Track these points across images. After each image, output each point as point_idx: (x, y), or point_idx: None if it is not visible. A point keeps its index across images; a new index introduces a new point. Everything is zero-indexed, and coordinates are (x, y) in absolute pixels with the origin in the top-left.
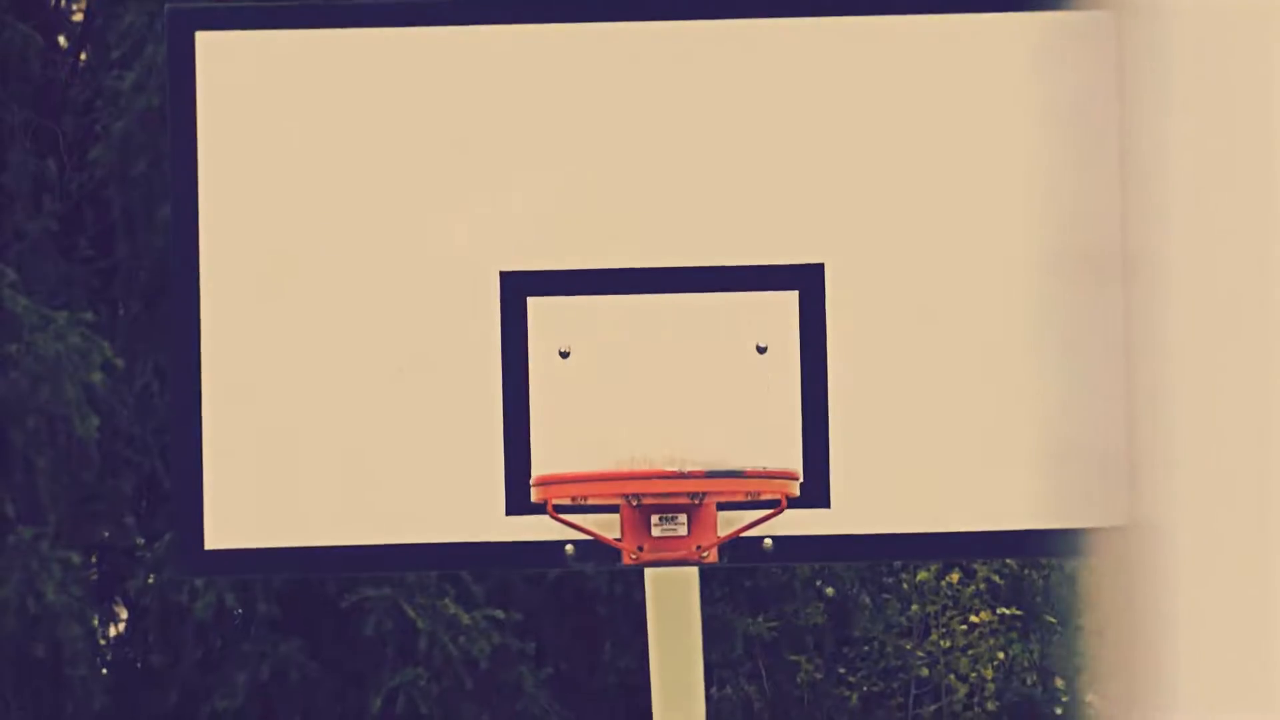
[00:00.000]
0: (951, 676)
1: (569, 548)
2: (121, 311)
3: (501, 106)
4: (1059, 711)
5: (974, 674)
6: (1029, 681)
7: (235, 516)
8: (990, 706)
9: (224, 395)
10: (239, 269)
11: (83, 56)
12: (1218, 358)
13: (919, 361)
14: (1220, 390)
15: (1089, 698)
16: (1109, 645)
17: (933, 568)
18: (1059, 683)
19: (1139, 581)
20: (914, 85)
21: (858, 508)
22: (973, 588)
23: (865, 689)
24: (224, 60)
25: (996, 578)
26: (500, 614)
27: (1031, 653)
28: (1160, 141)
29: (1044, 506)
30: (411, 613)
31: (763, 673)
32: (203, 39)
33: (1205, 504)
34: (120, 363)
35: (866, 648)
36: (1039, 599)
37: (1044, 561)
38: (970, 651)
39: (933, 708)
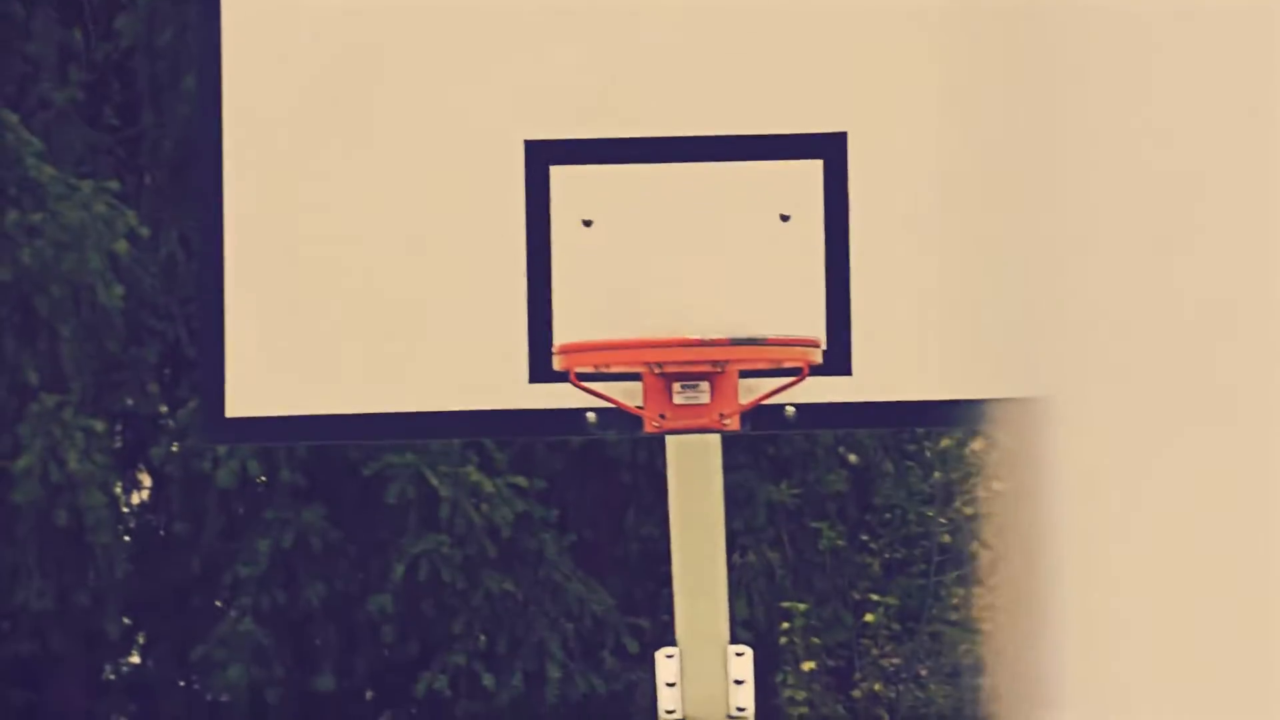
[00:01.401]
0: (975, 544)
1: (591, 415)
2: (147, 180)
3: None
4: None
5: (998, 541)
6: None
7: (258, 384)
8: None
9: (248, 263)
10: (264, 137)
11: None
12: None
13: (942, 230)
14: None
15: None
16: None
17: (955, 435)
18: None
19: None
20: None
21: (880, 375)
22: (996, 454)
23: (887, 556)
24: None
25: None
26: (523, 481)
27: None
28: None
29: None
30: (434, 480)
31: (785, 540)
32: None
33: None
34: (145, 231)
35: (889, 515)
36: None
37: None
38: (994, 519)
39: (955, 575)
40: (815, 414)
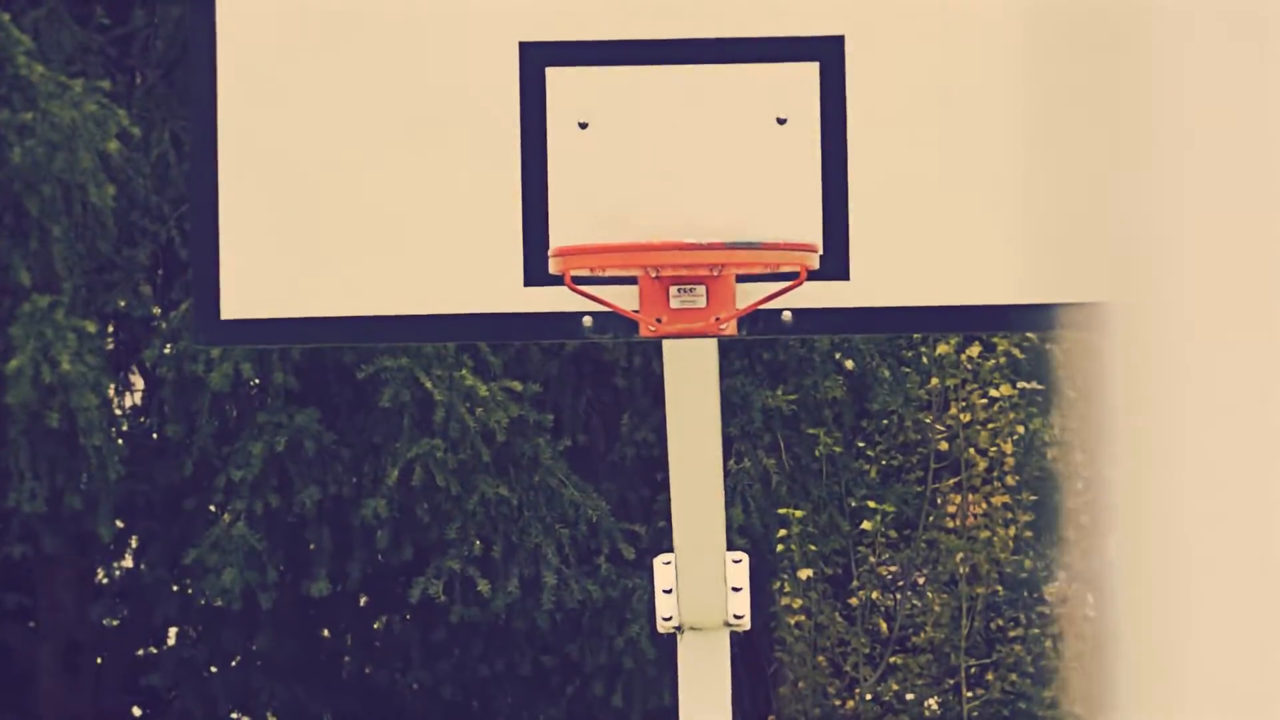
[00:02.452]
0: (971, 450)
1: (587, 319)
2: (138, 80)
3: None
4: (1080, 486)
5: (994, 448)
6: (1049, 456)
7: (252, 285)
8: (1010, 481)
9: (241, 163)
10: (256, 36)
11: None
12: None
13: (939, 137)
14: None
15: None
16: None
17: (953, 341)
18: (1080, 459)
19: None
20: None
21: (877, 280)
22: (993, 361)
23: (884, 462)
24: None
25: (1017, 351)
26: (518, 385)
27: (1052, 427)
28: None
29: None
30: (428, 384)
31: (781, 445)
32: None
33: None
34: (137, 131)
35: (885, 421)
36: (1061, 373)
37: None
38: (990, 425)
39: (952, 481)
40: (812, 319)
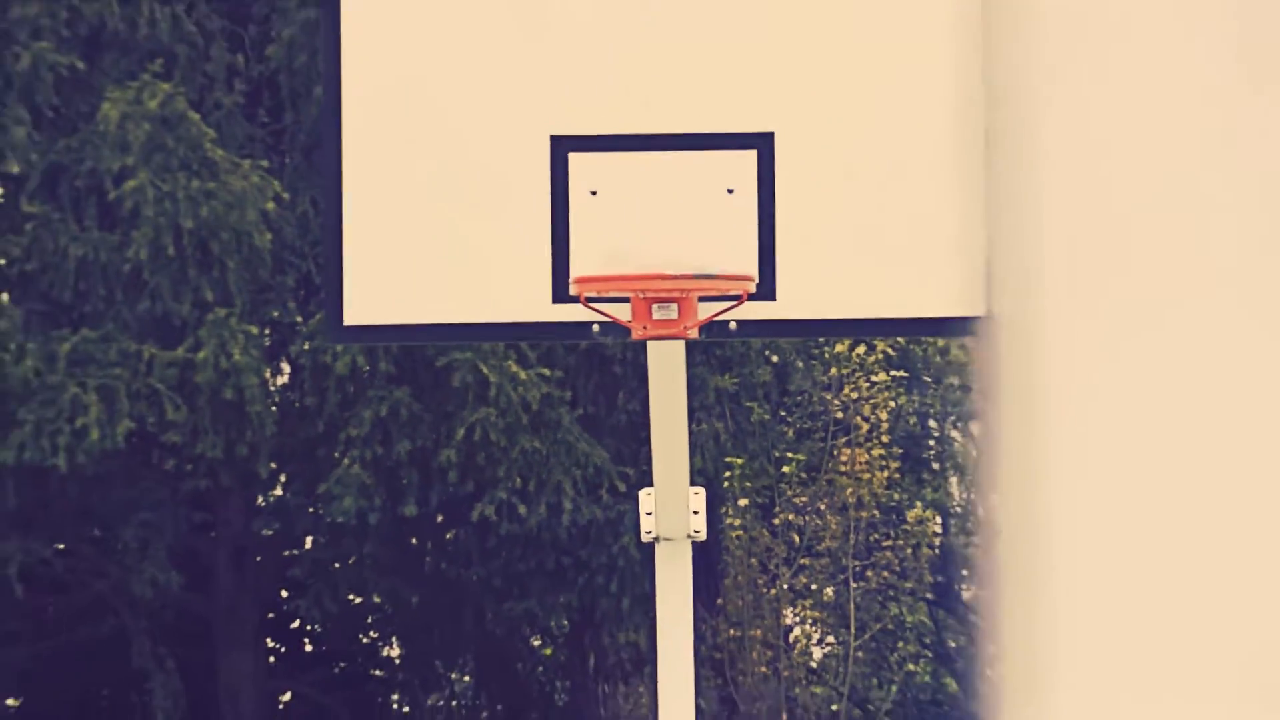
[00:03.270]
0: (858, 418)
1: (595, 327)
2: (287, 160)
3: (554, 27)
4: (931, 444)
5: (874, 417)
6: (911, 423)
7: (366, 301)
8: (884, 439)
9: (358, 217)
10: (369, 132)
11: None
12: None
13: (841, 201)
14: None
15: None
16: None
17: (846, 342)
18: (932, 424)
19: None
20: (842, 11)
21: (795, 300)
22: (873, 357)
23: (798, 426)
24: None
25: (890, 350)
26: (546, 371)
27: (914, 402)
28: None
29: (929, 301)
30: (485, 369)
31: (727, 414)
32: None
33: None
34: (286, 196)
35: (800, 397)
36: (920, 365)
37: (923, 338)
38: (871, 401)
39: (844, 440)
40: (750, 327)
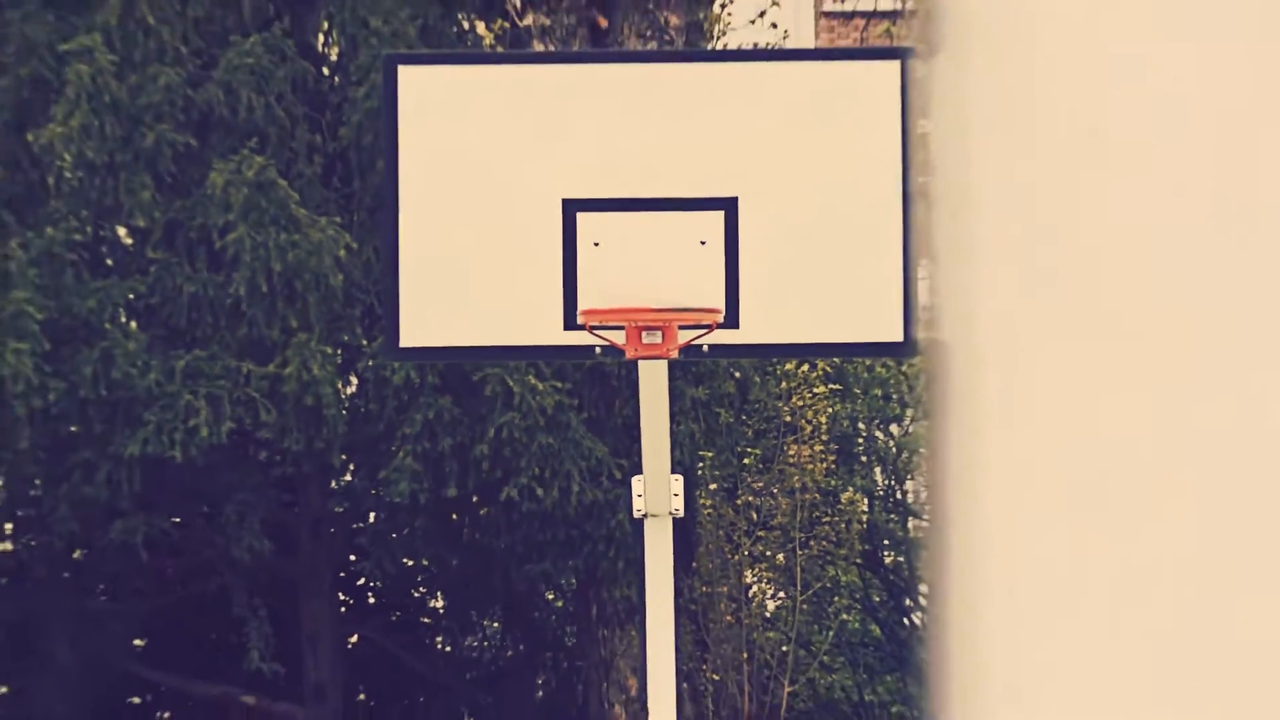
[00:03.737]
0: (803, 421)
1: (598, 349)
2: (355, 218)
3: (566, 115)
4: (860, 442)
5: (815, 421)
6: (845, 425)
7: (416, 328)
8: (824, 438)
9: (410, 262)
10: (420, 197)
11: (336, 79)
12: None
13: (790, 250)
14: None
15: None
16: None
17: (793, 362)
18: (861, 426)
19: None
20: (789, 104)
21: (754, 329)
22: (815, 373)
23: (756, 428)
24: (411, 80)
25: (828, 368)
26: (559, 384)
27: (846, 409)
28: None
29: (861, 330)
30: (510, 382)
31: (700, 418)
32: (403, 71)
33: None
34: (355, 245)
35: (757, 404)
36: (851, 379)
37: (854, 358)
38: (813, 408)
39: (792, 439)
40: (718, 349)
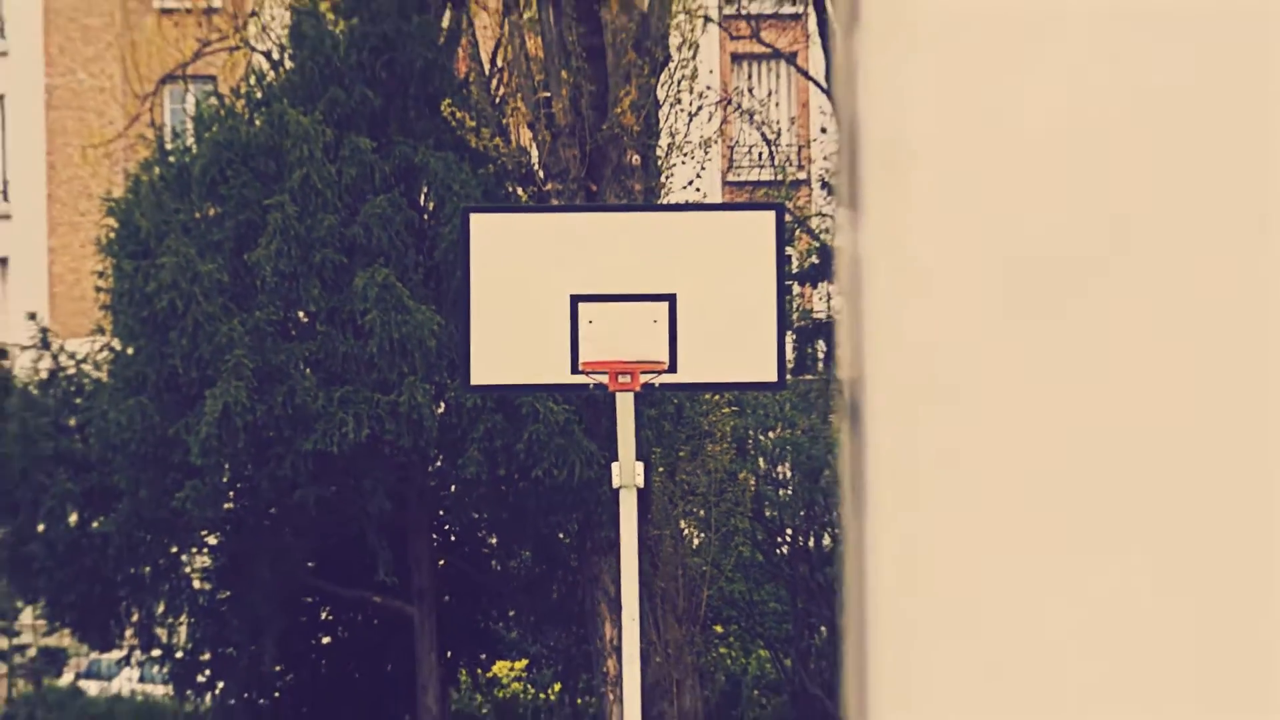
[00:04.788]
0: (718, 430)
1: (591, 385)
2: (443, 306)
3: (574, 247)
4: (749, 442)
5: (722, 429)
6: (741, 431)
7: (481, 373)
8: (728, 440)
9: (477, 333)
10: (484, 292)
11: (431, 220)
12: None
13: (710, 323)
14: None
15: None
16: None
17: (711, 395)
18: (750, 433)
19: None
20: (706, 237)
21: (686, 374)
22: (724, 398)
23: (687, 432)
24: (478, 223)
25: (731, 396)
26: (568, 406)
27: (744, 422)
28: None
29: (753, 373)
30: (538, 405)
31: (653, 427)
32: (474, 218)
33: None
34: (444, 321)
35: (688, 419)
36: (748, 404)
37: (747, 392)
38: (720, 424)
39: (709, 440)
40: (665, 386)
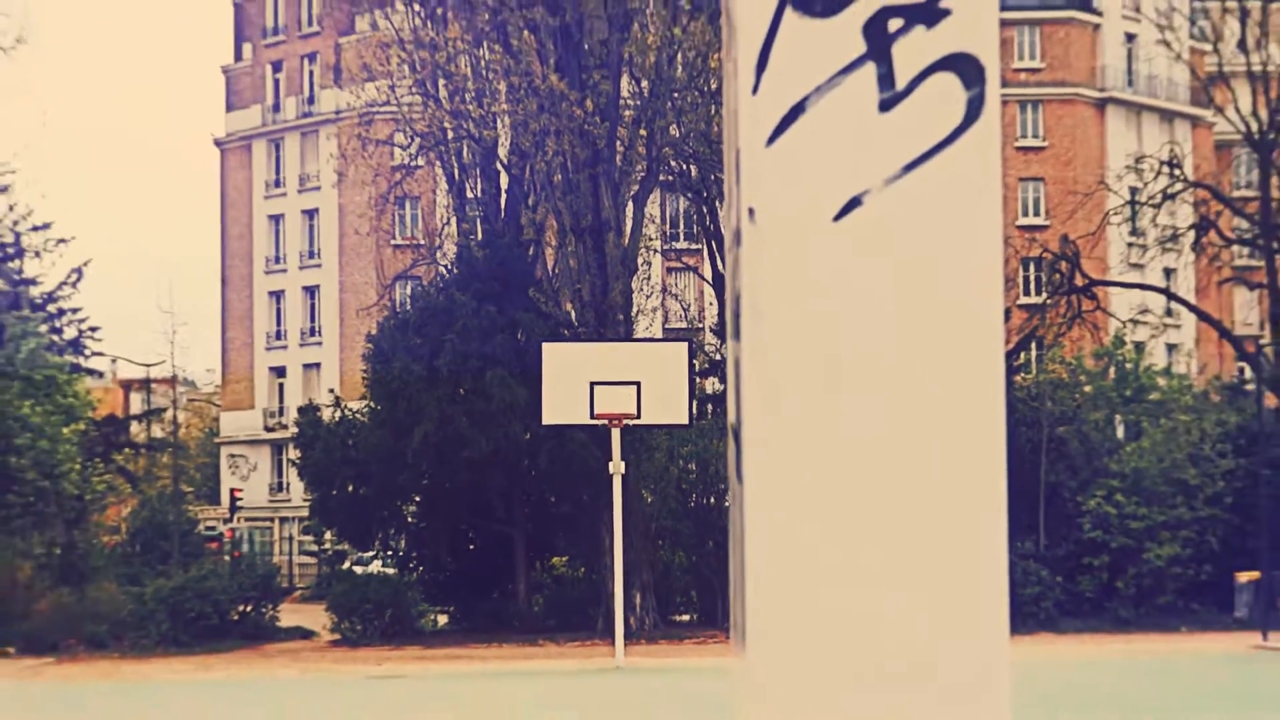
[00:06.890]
0: (671, 449)
1: (599, 423)
2: (529, 385)
3: (596, 372)
4: (694, 454)
5: (677, 449)
6: (686, 450)
7: (549, 416)
8: (682, 455)
9: (548, 402)
10: (552, 376)
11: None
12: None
13: (654, 395)
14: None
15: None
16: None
17: (666, 431)
18: (688, 449)
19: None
20: (653, 359)
21: (651, 416)
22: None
23: (653, 451)
24: (550, 351)
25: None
26: (585, 436)
27: (689, 447)
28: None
29: (670, 417)
30: (570, 436)
31: (631, 446)
32: (546, 347)
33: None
34: (528, 393)
35: (652, 441)
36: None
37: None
38: (675, 445)
39: (664, 456)
40: (642, 424)
